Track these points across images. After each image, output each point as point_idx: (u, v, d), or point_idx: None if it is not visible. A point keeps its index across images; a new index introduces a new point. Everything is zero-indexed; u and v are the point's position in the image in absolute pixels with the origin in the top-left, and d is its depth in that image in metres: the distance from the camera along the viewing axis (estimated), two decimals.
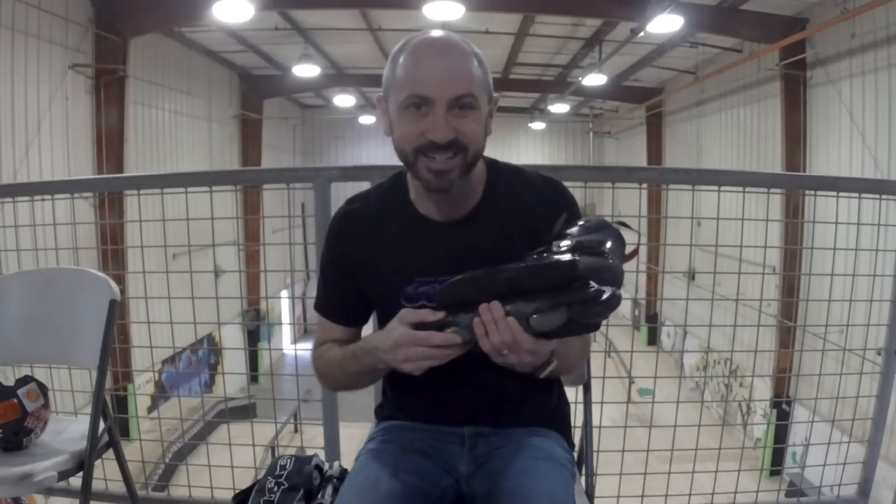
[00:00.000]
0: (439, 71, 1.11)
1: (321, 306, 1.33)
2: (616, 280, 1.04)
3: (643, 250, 1.22)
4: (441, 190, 1.16)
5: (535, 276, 1.03)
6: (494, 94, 1.19)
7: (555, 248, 1.09)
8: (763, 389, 8.79)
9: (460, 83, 1.11)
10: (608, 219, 1.20)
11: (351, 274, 1.27)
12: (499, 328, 1.02)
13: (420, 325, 1.08)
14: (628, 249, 1.14)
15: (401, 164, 1.20)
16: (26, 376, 1.66)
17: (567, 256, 1.04)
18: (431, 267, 1.21)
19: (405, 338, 1.08)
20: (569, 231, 1.14)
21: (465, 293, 1.06)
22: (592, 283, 1.00)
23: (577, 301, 1.00)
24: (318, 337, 1.33)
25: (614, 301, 1.00)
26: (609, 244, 1.09)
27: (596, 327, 1.04)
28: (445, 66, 1.11)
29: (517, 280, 1.03)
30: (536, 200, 1.24)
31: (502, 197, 1.24)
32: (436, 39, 1.15)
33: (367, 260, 1.25)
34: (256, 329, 11.41)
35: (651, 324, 13.53)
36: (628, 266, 1.14)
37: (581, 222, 1.16)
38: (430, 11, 7.54)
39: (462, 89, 1.11)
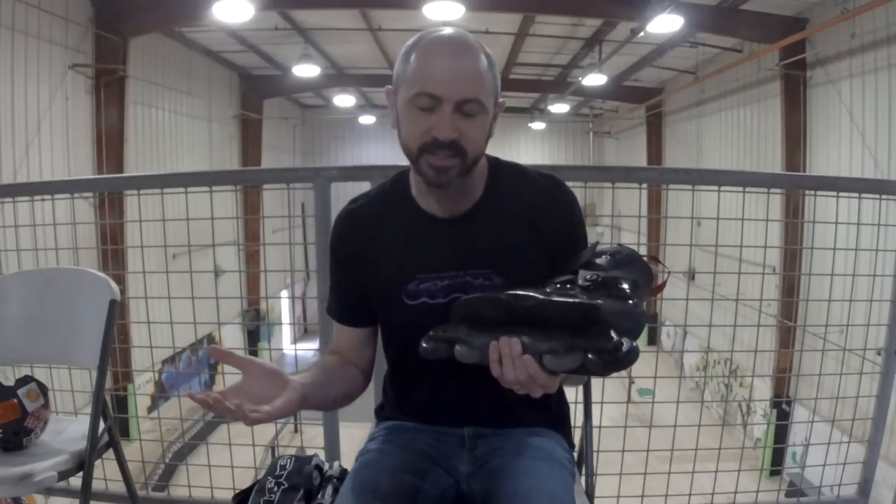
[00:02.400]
0: (451, 71, 1.10)
1: (330, 309, 1.33)
2: (637, 327, 1.02)
3: (642, 250, 1.20)
4: (440, 185, 1.16)
5: (556, 312, 0.99)
6: (501, 99, 1.18)
7: (580, 280, 1.06)
8: (763, 389, 8.79)
9: (470, 86, 1.11)
10: (633, 246, 1.18)
11: (354, 272, 1.27)
12: (514, 365, 1.00)
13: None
14: (658, 281, 1.11)
15: (402, 164, 1.20)
16: (26, 376, 1.66)
17: (587, 299, 1.00)
18: (432, 263, 1.21)
19: None
20: (598, 261, 1.11)
21: (482, 312, 1.04)
22: (613, 334, 0.96)
23: (594, 349, 0.97)
24: (333, 342, 1.34)
25: (631, 357, 0.96)
26: (638, 285, 1.05)
27: (607, 375, 1.01)
28: (457, 67, 1.11)
29: (537, 311, 1.00)
30: (538, 197, 1.24)
31: (504, 194, 1.24)
32: (450, 38, 1.14)
33: (368, 256, 1.25)
34: (256, 329, 11.43)
35: (651, 324, 13.51)
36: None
37: (611, 252, 1.13)
38: (430, 11, 7.54)
39: (470, 93, 1.10)
